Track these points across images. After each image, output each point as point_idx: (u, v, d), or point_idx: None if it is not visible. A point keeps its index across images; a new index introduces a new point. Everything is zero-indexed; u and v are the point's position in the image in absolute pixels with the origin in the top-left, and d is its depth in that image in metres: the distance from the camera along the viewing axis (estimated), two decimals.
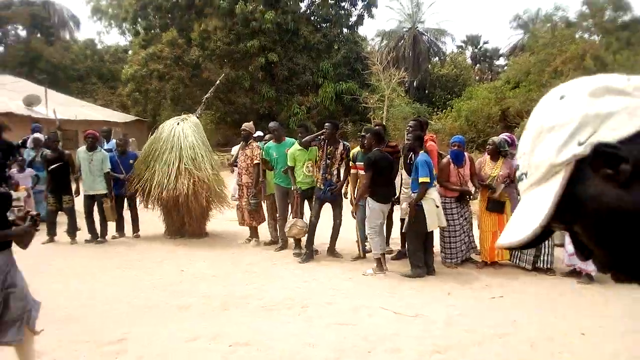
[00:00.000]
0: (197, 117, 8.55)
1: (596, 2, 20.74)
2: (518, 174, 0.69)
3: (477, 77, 33.82)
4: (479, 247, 6.43)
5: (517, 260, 6.13)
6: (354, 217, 6.62)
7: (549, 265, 5.94)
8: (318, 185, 6.55)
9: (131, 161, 8.04)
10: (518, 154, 0.69)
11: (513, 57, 26.04)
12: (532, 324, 4.37)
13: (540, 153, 0.63)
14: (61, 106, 18.71)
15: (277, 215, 7.32)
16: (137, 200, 8.08)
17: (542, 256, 5.93)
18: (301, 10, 24.66)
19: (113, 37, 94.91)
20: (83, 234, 7.70)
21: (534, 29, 25.23)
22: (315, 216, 6.55)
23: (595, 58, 14.43)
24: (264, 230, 7.66)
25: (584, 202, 0.60)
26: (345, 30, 25.22)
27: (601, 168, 0.58)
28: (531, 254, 5.96)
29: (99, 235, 7.67)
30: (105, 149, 8.41)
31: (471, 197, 6.46)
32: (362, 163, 6.24)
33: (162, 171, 7.53)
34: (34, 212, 3.09)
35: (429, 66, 29.49)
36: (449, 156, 6.31)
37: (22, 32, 35.49)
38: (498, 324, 4.32)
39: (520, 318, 4.47)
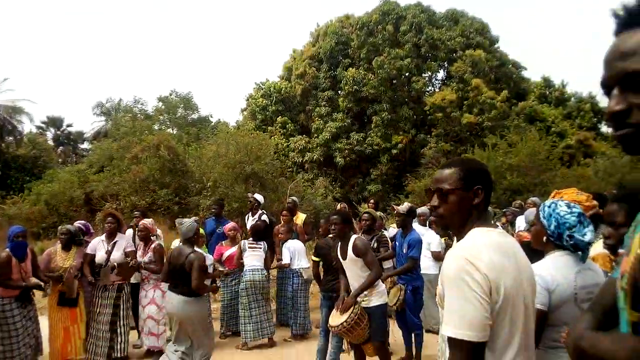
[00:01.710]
0: None
1: (170, 101, 23.60)
2: None
3: (60, 160, 32.08)
4: (47, 349, 5.78)
5: (92, 355, 5.82)
6: None
7: (124, 354, 5.92)
8: None
9: None
10: None
11: (97, 141, 26.14)
12: None
13: None
14: None
15: None
16: None
17: (115, 345, 5.86)
18: None
19: None
20: None
21: (116, 117, 26.26)
22: None
23: (169, 148, 16.18)
24: None
25: None
26: None
27: None
28: (105, 346, 5.81)
29: None
30: None
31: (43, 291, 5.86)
32: None
33: None
34: None
35: (3, 145, 26.05)
36: (7, 250, 5.54)
37: None
38: None
39: None
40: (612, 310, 1.13)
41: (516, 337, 1.55)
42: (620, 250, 2.47)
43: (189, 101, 24.54)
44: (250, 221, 7.76)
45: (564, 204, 2.33)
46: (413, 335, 5.59)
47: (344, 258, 4.57)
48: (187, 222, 5.11)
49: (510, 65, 25.80)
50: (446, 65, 25.21)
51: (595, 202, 2.87)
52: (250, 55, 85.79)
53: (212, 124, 26.16)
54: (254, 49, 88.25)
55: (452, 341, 1.49)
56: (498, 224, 8.31)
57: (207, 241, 6.85)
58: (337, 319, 4.41)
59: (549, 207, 2.34)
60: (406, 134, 23.19)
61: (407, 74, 24.02)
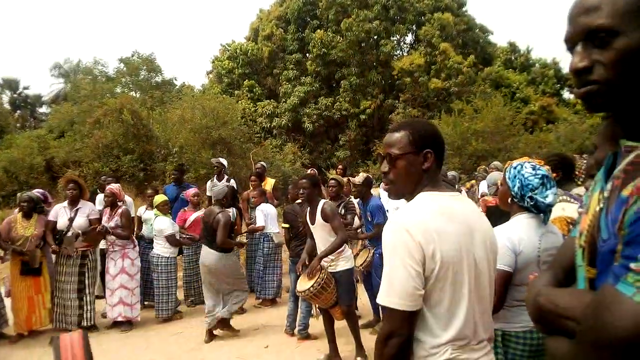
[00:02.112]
0: None
1: (132, 62, 22.70)
2: None
3: (18, 125, 30.76)
4: (12, 319, 5.70)
5: (61, 324, 5.77)
6: None
7: (92, 322, 5.90)
8: None
9: None
10: None
11: (56, 105, 25.10)
12: None
13: None
14: None
15: None
16: None
17: (84, 313, 5.82)
18: None
19: None
20: None
21: (75, 79, 25.16)
22: None
23: (132, 112, 15.67)
24: None
25: None
26: None
27: None
28: (75, 314, 5.76)
29: None
30: None
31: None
32: None
33: None
34: None
35: None
36: None
37: None
38: None
39: None
40: (570, 268, 1.16)
41: (463, 304, 1.53)
42: (580, 210, 2.52)
43: (152, 63, 23.62)
44: (215, 186, 7.74)
45: (530, 165, 2.36)
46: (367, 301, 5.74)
47: (312, 223, 4.61)
48: (220, 185, 5.95)
49: (478, 30, 25.87)
50: (414, 29, 25.05)
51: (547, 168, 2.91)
52: (216, 15, 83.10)
53: (177, 87, 25.40)
54: (219, 7, 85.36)
55: (384, 309, 1.51)
56: (463, 189, 8.52)
57: (170, 208, 6.76)
58: (304, 284, 4.46)
59: (515, 168, 2.38)
60: (374, 99, 23.15)
61: (375, 37, 23.76)
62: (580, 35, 0.97)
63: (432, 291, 1.50)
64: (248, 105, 22.85)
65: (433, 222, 1.51)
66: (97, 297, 6.18)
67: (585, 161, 3.56)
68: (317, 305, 4.79)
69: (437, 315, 1.51)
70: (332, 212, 4.51)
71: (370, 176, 6.05)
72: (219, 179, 7.70)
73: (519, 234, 2.27)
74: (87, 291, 5.85)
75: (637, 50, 0.92)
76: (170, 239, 6.20)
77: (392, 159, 1.67)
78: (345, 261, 4.63)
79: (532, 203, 2.29)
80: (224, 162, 8.05)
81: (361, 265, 5.44)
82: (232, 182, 7.58)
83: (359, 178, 5.71)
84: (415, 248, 1.47)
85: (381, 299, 1.50)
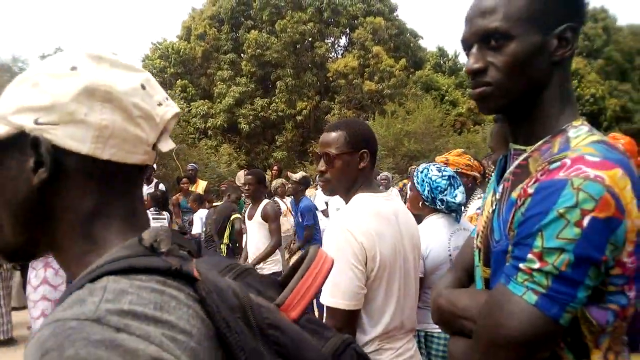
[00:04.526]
0: None
1: None
2: None
3: None
4: None
5: None
6: None
7: (9, 335, 5.47)
8: None
9: None
10: None
11: None
12: None
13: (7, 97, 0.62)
14: None
15: None
16: None
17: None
18: None
19: None
20: None
21: None
22: None
23: None
24: None
25: None
26: None
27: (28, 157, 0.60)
28: None
29: None
30: None
31: None
32: None
33: None
34: None
35: None
36: None
37: None
38: None
39: None
40: (472, 268, 1.17)
41: (392, 301, 1.59)
42: (477, 211, 2.63)
43: None
44: (144, 190, 7.42)
45: (435, 168, 2.40)
46: (314, 302, 5.74)
47: (250, 218, 4.56)
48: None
49: (408, 34, 26.73)
50: (348, 32, 25.48)
51: (476, 163, 3.01)
52: (146, 13, 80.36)
53: None
54: (149, 5, 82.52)
55: (327, 309, 1.53)
56: (395, 188, 8.74)
57: None
58: None
59: (422, 172, 2.40)
60: (310, 101, 23.30)
61: (310, 39, 23.94)
62: (476, 37, 0.98)
63: (368, 290, 1.54)
64: (181, 106, 22.22)
65: (372, 223, 1.55)
66: (16, 308, 5.77)
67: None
68: None
69: (369, 313, 1.56)
70: (273, 213, 4.49)
71: (309, 176, 6.07)
72: (147, 183, 7.42)
73: (426, 237, 2.23)
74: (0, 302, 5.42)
75: (528, 55, 0.94)
76: None
77: (329, 158, 1.68)
78: (273, 264, 4.60)
79: (443, 205, 2.33)
80: (154, 165, 7.78)
81: None
82: (162, 186, 7.34)
83: (297, 175, 5.72)
84: (358, 249, 1.50)
85: (326, 300, 1.51)
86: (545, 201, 0.84)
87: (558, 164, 0.87)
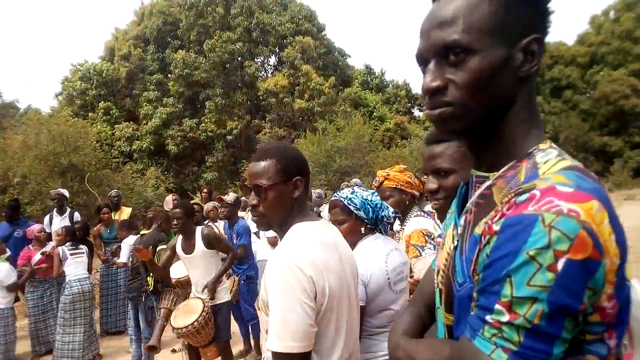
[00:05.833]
0: None
1: None
2: None
3: None
4: None
5: None
6: None
7: None
8: None
9: None
10: None
11: None
12: None
13: None
14: None
15: None
16: None
17: None
18: None
19: None
20: None
21: None
22: None
23: None
24: None
25: None
26: None
27: None
28: None
29: None
30: None
31: None
32: None
33: None
34: None
35: None
36: None
37: None
38: None
39: None
40: (433, 303, 1.04)
41: (341, 335, 1.48)
42: (438, 240, 2.49)
43: None
44: (57, 221, 6.95)
45: (361, 189, 2.34)
46: (250, 325, 5.60)
47: (190, 252, 4.25)
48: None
49: (337, 53, 27.30)
50: (277, 51, 25.61)
51: (417, 181, 2.86)
52: (65, 33, 76.70)
53: (20, 111, 22.76)
54: (68, 26, 78.87)
55: (275, 354, 1.35)
56: (327, 205, 8.77)
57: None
58: (181, 319, 4.01)
59: (356, 197, 2.27)
60: (241, 120, 23.08)
61: (239, 59, 23.81)
62: (433, 52, 0.85)
63: (318, 326, 1.41)
64: (104, 129, 21.27)
65: (319, 254, 1.44)
66: None
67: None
68: (185, 343, 4.42)
69: (319, 352, 1.43)
70: (214, 235, 4.34)
71: (240, 197, 5.97)
72: (60, 213, 6.98)
73: (365, 261, 2.12)
74: None
75: (491, 71, 0.82)
76: (11, 287, 5.46)
77: (261, 190, 1.54)
78: (224, 292, 4.40)
79: (384, 222, 2.27)
80: (65, 193, 7.36)
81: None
82: (77, 216, 6.94)
83: (230, 197, 5.59)
84: (307, 283, 1.37)
85: (273, 345, 1.34)
86: (513, 241, 0.72)
87: (526, 195, 0.74)
